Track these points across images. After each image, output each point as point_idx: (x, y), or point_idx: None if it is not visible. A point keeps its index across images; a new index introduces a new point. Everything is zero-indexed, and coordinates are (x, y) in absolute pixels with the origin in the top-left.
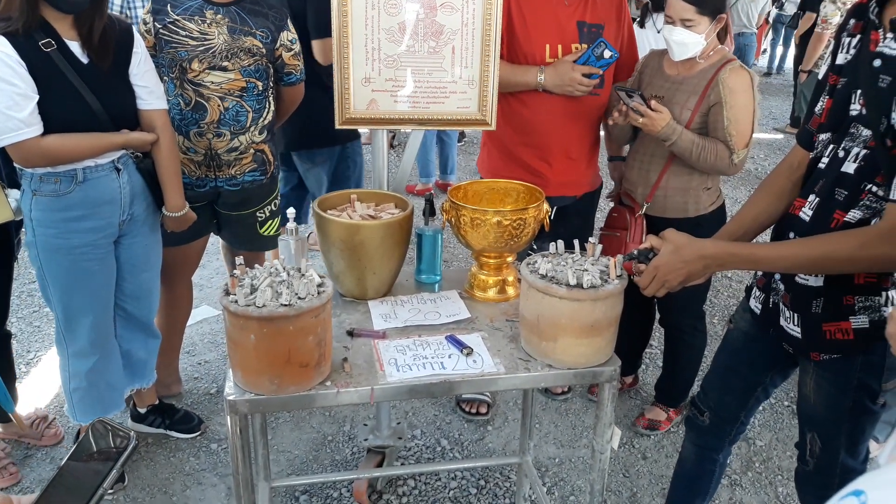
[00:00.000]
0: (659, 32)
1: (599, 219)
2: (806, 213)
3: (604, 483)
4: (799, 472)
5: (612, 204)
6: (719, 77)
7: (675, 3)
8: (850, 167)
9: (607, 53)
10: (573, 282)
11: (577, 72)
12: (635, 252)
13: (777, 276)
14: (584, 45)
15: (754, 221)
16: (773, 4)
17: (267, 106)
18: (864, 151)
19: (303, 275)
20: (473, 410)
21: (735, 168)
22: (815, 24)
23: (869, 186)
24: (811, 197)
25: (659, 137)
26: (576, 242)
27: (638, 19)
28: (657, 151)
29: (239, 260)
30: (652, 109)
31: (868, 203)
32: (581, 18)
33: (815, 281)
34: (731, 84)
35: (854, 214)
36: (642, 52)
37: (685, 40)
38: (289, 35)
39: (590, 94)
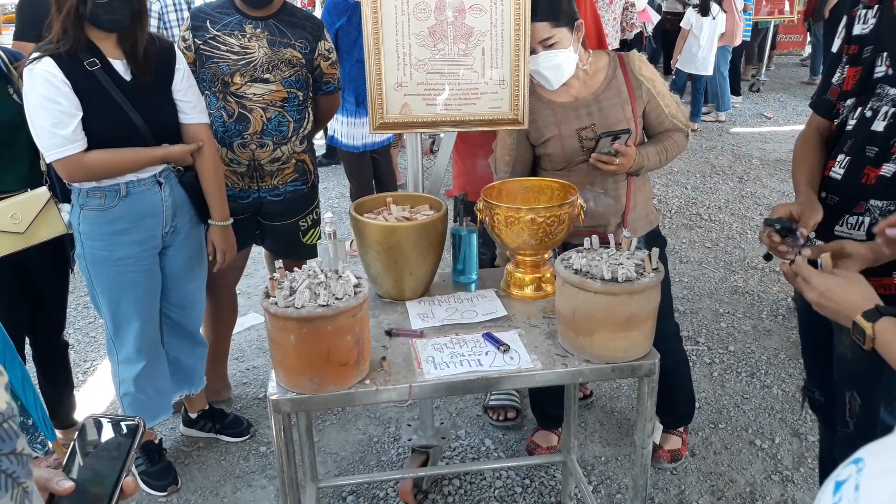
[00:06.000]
0: (714, 19)
1: None
2: (837, 172)
3: (647, 478)
4: (840, 437)
5: None
6: (633, 72)
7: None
8: (879, 125)
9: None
10: (608, 276)
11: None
12: (776, 224)
13: (813, 236)
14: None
15: (812, 175)
16: None
17: (307, 115)
18: (892, 109)
19: (340, 276)
20: (501, 417)
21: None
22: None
23: None
24: (840, 157)
25: (630, 171)
26: (611, 237)
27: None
28: (616, 174)
29: (278, 264)
30: (617, 154)
31: None
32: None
33: (858, 235)
34: (647, 73)
35: (888, 168)
36: (701, 38)
37: (556, 62)
38: (326, 45)
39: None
